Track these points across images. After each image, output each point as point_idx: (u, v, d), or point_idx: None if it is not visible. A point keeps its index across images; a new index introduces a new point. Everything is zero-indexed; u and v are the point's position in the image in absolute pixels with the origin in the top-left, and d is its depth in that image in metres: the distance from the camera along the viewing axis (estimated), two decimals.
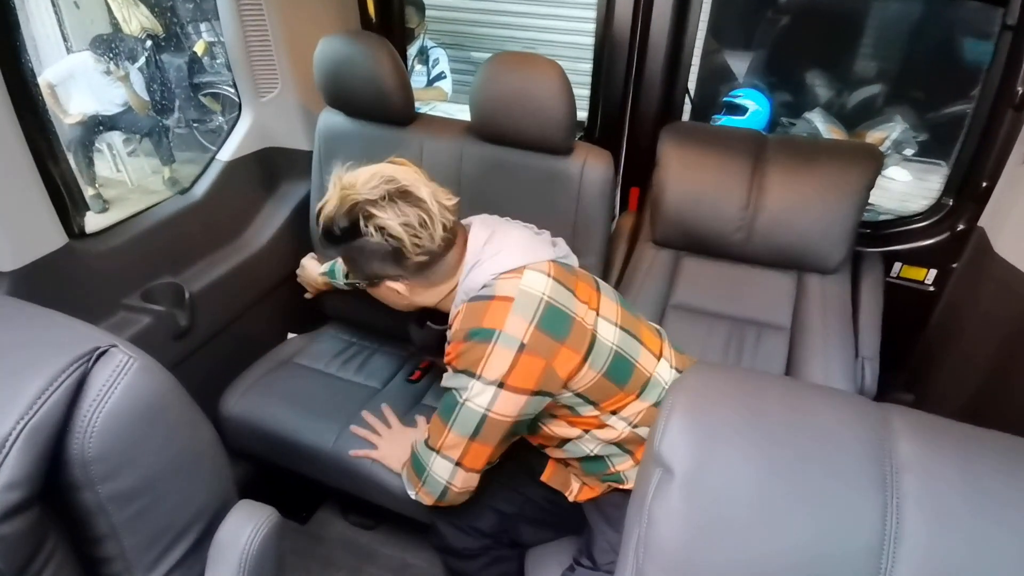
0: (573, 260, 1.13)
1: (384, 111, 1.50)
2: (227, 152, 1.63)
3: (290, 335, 1.76)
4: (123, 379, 0.60)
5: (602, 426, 1.07)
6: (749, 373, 0.72)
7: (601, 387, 1.03)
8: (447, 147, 1.49)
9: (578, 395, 1.03)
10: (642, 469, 0.64)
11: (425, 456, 1.06)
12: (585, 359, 1.00)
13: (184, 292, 1.40)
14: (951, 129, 2.52)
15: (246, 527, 0.72)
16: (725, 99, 3.61)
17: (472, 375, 0.97)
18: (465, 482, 1.04)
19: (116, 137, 4.32)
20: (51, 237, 1.17)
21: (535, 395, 0.98)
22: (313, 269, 1.64)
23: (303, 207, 1.75)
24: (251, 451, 1.51)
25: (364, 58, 1.43)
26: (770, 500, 0.51)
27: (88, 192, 4.07)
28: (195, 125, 4.62)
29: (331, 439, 1.39)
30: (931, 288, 1.71)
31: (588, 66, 1.91)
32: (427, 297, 1.07)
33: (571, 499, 1.18)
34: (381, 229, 0.94)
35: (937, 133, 3.34)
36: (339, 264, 1.53)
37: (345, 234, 0.97)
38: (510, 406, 0.97)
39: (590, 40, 1.88)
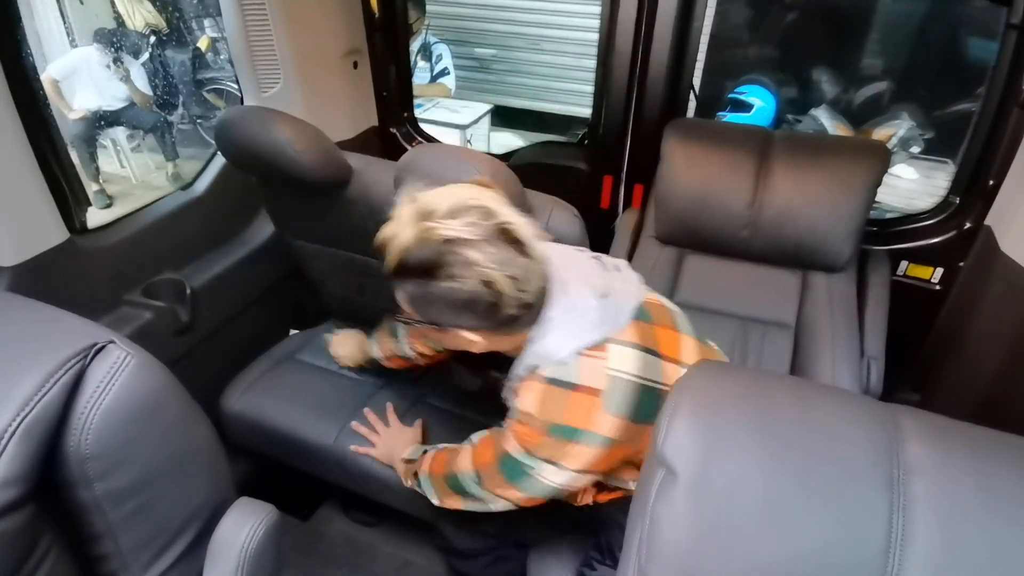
0: (638, 280, 0.97)
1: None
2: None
3: (292, 331, 1.76)
4: (120, 375, 0.59)
5: None
6: (754, 372, 0.71)
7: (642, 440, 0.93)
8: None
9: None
10: (645, 469, 0.63)
11: (475, 491, 0.98)
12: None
13: (185, 288, 1.40)
14: (958, 127, 2.50)
15: (245, 525, 0.71)
16: (730, 95, 3.59)
17: (549, 461, 0.86)
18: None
19: (120, 133, 4.33)
20: (52, 232, 1.16)
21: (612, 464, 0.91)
22: (351, 347, 1.49)
23: None
24: (252, 448, 1.50)
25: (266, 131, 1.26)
26: (775, 503, 0.50)
27: (92, 188, 4.08)
28: (199, 121, 4.63)
29: (332, 436, 1.39)
30: (937, 287, 1.70)
31: (592, 62, 1.90)
32: (502, 345, 0.91)
33: (578, 503, 1.15)
34: (479, 277, 0.76)
35: (943, 131, 3.32)
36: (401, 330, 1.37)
37: (424, 273, 0.78)
38: (587, 481, 0.92)
39: (594, 36, 1.87)
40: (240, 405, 1.47)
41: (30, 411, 0.54)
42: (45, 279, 1.14)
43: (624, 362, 0.84)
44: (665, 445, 0.56)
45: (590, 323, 0.85)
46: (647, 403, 0.85)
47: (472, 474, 0.97)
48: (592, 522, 1.16)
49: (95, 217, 1.31)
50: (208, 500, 0.72)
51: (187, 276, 1.44)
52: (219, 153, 1.61)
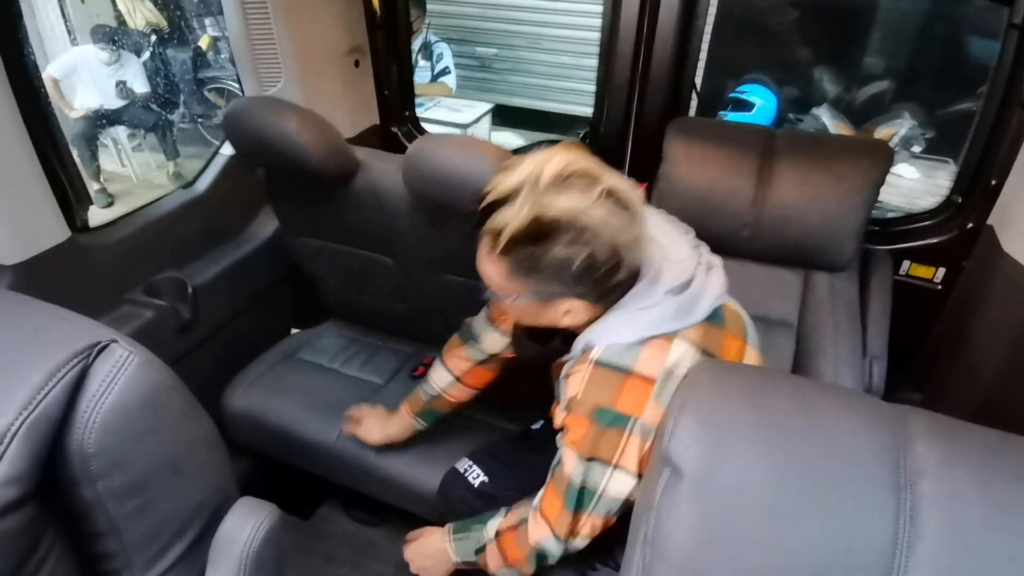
0: (723, 284, 0.93)
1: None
2: (230, 146, 1.63)
3: (293, 330, 1.75)
4: (123, 374, 0.59)
5: None
6: (760, 371, 0.71)
7: None
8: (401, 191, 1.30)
9: None
10: (650, 468, 0.63)
11: (557, 549, 0.94)
12: None
13: (187, 286, 1.40)
14: (959, 126, 2.50)
15: (247, 524, 0.71)
16: (732, 95, 3.59)
17: (607, 464, 0.85)
18: None
19: (121, 132, 4.32)
20: (54, 231, 1.16)
21: None
22: (383, 427, 1.34)
23: None
24: (254, 446, 1.50)
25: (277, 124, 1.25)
26: (781, 502, 0.50)
27: (93, 187, 4.08)
28: (199, 120, 4.62)
29: (334, 434, 1.39)
30: (939, 287, 1.69)
31: (594, 61, 1.90)
32: (589, 316, 0.88)
33: None
34: (595, 243, 0.76)
35: (945, 130, 3.32)
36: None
37: (537, 241, 0.77)
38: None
39: (596, 35, 1.87)
40: (241, 404, 1.47)
41: (33, 410, 0.54)
42: (47, 277, 1.14)
43: (684, 360, 0.83)
44: (671, 444, 0.56)
45: (665, 313, 0.84)
46: None
47: (550, 534, 0.93)
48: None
49: (96, 216, 1.31)
50: (210, 499, 0.72)
51: (188, 275, 1.43)
52: (220, 152, 1.61)
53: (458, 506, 1.20)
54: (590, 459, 0.85)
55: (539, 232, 0.76)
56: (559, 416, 0.91)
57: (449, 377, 1.26)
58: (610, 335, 0.84)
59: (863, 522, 0.48)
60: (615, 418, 0.82)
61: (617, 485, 0.85)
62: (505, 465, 1.21)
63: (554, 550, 0.95)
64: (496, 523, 1.03)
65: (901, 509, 0.47)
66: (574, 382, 0.86)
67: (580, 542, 0.94)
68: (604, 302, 0.85)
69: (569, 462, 0.87)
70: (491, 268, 0.84)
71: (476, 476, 1.20)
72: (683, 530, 0.54)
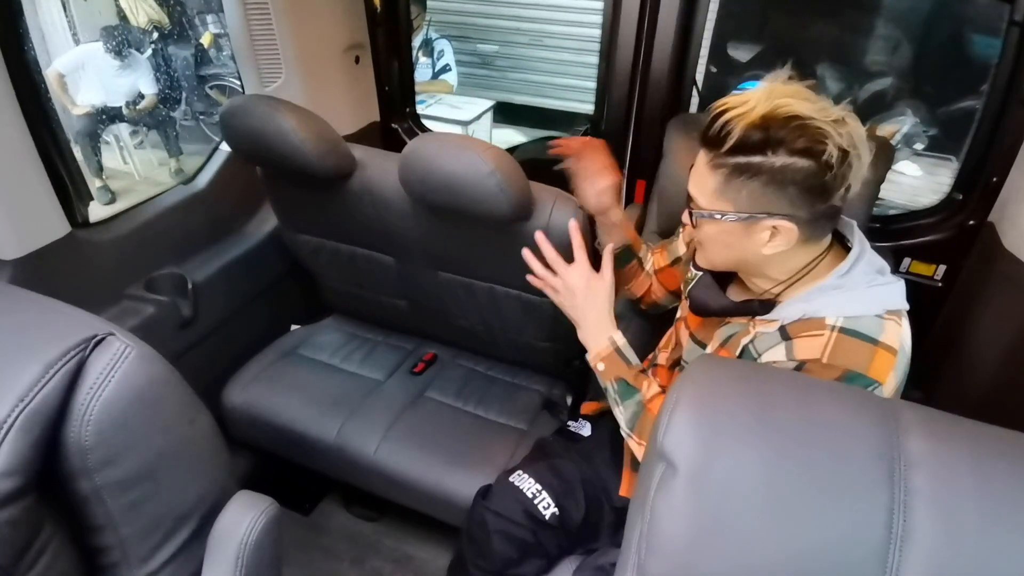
0: None
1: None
2: None
3: (293, 327, 1.76)
4: (120, 367, 0.59)
5: None
6: (755, 366, 0.71)
7: None
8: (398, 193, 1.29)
9: None
10: (645, 464, 0.63)
11: None
12: None
13: (187, 282, 1.40)
14: (962, 124, 2.49)
15: (244, 518, 0.71)
16: (734, 91, 3.57)
17: None
18: None
19: (123, 129, 4.33)
20: (54, 226, 1.16)
21: None
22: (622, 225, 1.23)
23: None
24: (254, 442, 1.51)
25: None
26: (775, 496, 0.50)
27: (95, 184, 4.09)
28: (202, 117, 4.63)
29: (334, 431, 1.39)
30: (940, 284, 1.69)
31: (595, 58, 1.90)
32: (790, 262, 0.88)
33: None
34: (826, 148, 0.75)
35: (947, 128, 3.30)
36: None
37: (765, 144, 0.77)
38: None
39: (597, 32, 1.87)
40: (242, 400, 1.47)
41: (30, 402, 0.54)
42: (47, 272, 1.14)
43: (908, 338, 0.84)
44: (665, 439, 0.56)
45: (898, 291, 0.86)
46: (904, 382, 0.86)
47: None
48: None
49: (98, 213, 1.32)
50: (208, 492, 0.72)
51: (189, 270, 1.44)
52: (220, 148, 1.61)
53: (497, 540, 1.06)
54: None
55: (768, 134, 0.76)
56: None
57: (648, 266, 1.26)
58: (848, 308, 0.84)
59: (857, 515, 0.48)
60: (867, 383, 0.80)
61: None
62: (568, 486, 1.10)
63: None
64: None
65: (895, 502, 0.47)
66: (811, 346, 0.83)
67: None
68: (813, 231, 0.84)
69: None
70: (702, 181, 0.84)
71: (547, 506, 1.07)
72: (677, 525, 0.54)
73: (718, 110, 0.81)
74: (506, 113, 4.54)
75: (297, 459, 1.47)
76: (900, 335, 0.83)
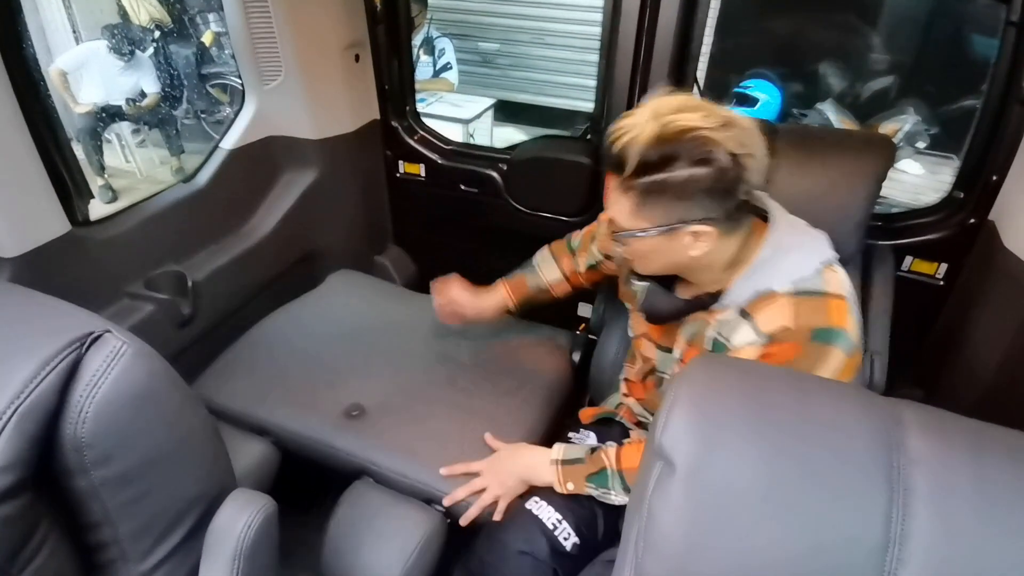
0: None
1: None
2: (231, 140, 1.63)
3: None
4: (117, 364, 0.59)
5: None
6: (754, 365, 0.71)
7: None
8: None
9: None
10: (643, 462, 0.63)
11: None
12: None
13: (187, 280, 1.40)
14: (964, 123, 2.49)
15: (241, 515, 0.71)
16: (735, 90, 3.57)
17: None
18: None
19: (125, 127, 4.33)
20: (54, 224, 1.16)
21: None
22: (475, 300, 1.39)
23: (306, 196, 1.73)
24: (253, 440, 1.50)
25: None
26: (773, 495, 0.50)
27: (97, 182, 4.09)
28: (203, 116, 4.63)
29: (326, 427, 1.36)
30: (941, 282, 1.68)
31: (596, 57, 1.89)
32: (718, 255, 0.92)
33: None
34: (721, 155, 0.80)
35: (950, 126, 3.30)
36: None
37: (664, 164, 0.82)
38: None
39: (597, 30, 1.86)
40: (221, 400, 1.37)
41: (25, 399, 0.54)
42: (46, 271, 1.14)
43: (847, 281, 0.91)
44: (663, 437, 0.55)
45: (822, 243, 0.94)
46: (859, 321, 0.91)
47: None
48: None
49: (99, 212, 1.32)
50: (206, 490, 0.72)
51: (189, 269, 1.44)
52: (220, 147, 1.61)
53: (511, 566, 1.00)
54: None
55: (663, 152, 0.81)
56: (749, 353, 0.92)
57: (558, 274, 1.34)
58: (788, 272, 0.90)
59: (855, 514, 0.48)
60: (832, 333, 0.86)
61: None
62: (591, 513, 1.07)
63: None
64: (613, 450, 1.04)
65: (894, 501, 0.47)
66: (773, 316, 0.89)
67: None
68: (731, 225, 0.89)
69: None
70: (618, 204, 0.89)
71: (567, 536, 1.02)
72: (675, 523, 0.53)
73: (613, 137, 0.85)
74: (507, 111, 4.54)
75: (296, 456, 1.46)
76: (840, 281, 0.91)
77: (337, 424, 1.35)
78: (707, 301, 0.97)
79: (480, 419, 1.37)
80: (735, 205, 0.86)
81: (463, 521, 1.12)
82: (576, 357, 1.53)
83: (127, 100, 3.99)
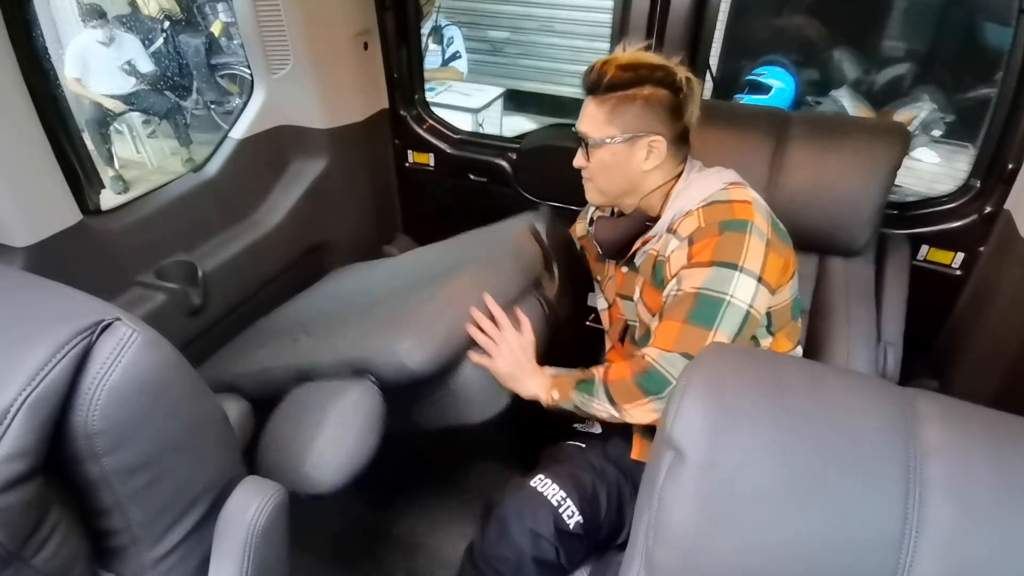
0: None
1: None
2: (240, 130, 1.62)
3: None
4: (127, 352, 0.59)
5: None
6: (767, 354, 0.70)
7: (784, 312, 1.11)
8: None
9: (769, 314, 1.08)
10: (654, 451, 0.62)
11: (670, 373, 0.97)
12: (792, 274, 1.10)
13: (197, 270, 1.40)
14: (980, 111, 2.44)
15: (252, 502, 0.72)
16: (748, 77, 3.53)
17: (734, 267, 0.98)
18: None
19: (135, 118, 4.35)
20: (65, 214, 1.17)
21: (772, 295, 1.04)
22: (519, 376, 1.17)
23: (316, 185, 1.73)
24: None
25: None
26: (786, 486, 0.49)
27: (108, 173, 4.12)
28: (213, 106, 4.64)
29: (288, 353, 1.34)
30: (958, 272, 1.66)
31: (606, 44, 1.87)
32: (658, 173, 1.11)
33: None
34: (676, 78, 1.04)
35: (965, 115, 3.25)
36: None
37: (635, 81, 1.04)
38: (762, 304, 1.01)
39: (608, 17, 1.84)
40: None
41: (36, 386, 0.54)
42: (58, 260, 1.15)
43: (757, 194, 1.08)
44: (674, 427, 0.55)
45: (730, 173, 1.12)
46: (777, 223, 1.08)
47: (667, 355, 0.99)
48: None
49: (110, 202, 1.32)
50: (217, 477, 0.72)
51: (199, 258, 1.44)
52: (230, 136, 1.61)
53: (512, 551, 1.00)
54: (716, 264, 0.99)
55: (635, 72, 1.04)
56: (676, 266, 1.05)
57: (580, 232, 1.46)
58: (700, 192, 1.08)
59: (871, 505, 0.47)
60: (738, 224, 1.01)
61: (743, 290, 0.98)
62: (593, 493, 1.08)
63: (666, 376, 0.98)
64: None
65: (910, 491, 0.46)
66: (689, 225, 1.05)
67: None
68: (676, 148, 1.10)
69: (695, 278, 1.00)
70: (592, 117, 1.09)
71: (571, 515, 1.02)
72: (686, 514, 0.53)
73: (591, 65, 1.09)
74: (516, 100, 4.52)
75: None
76: (744, 191, 1.07)
77: (290, 350, 1.27)
78: (642, 218, 1.15)
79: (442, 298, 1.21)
80: (682, 128, 1.09)
81: (473, 357, 1.14)
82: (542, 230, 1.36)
83: (124, 64, 3.97)
